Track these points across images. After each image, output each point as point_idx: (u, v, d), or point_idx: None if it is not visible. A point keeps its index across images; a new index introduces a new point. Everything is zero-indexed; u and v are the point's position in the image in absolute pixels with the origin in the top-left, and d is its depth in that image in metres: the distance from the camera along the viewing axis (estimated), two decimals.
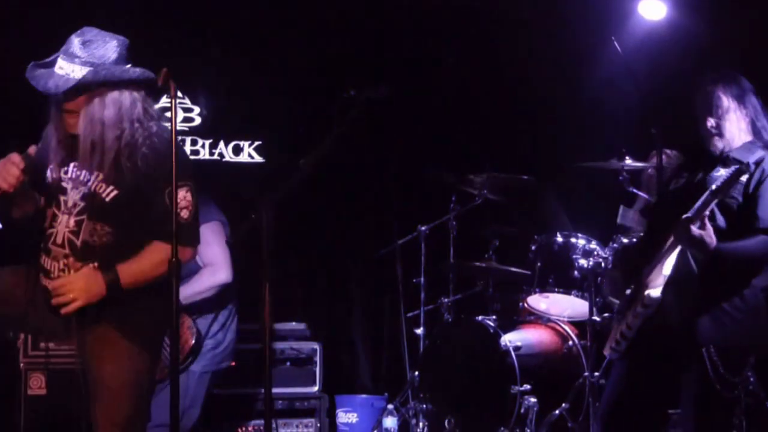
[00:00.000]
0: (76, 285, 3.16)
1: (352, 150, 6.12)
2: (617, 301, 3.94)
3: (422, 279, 5.78)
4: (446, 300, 5.72)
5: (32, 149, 3.25)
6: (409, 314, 5.98)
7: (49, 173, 3.32)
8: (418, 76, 6.25)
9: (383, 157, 6.46)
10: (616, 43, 4.77)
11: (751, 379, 4.81)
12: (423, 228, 5.80)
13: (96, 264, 3.20)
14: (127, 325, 3.25)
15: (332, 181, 6.20)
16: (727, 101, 3.63)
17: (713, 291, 3.55)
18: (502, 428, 4.96)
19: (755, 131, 3.64)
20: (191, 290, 4.39)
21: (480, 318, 5.35)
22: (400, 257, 6.01)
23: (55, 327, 3.33)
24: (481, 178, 5.58)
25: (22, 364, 4.78)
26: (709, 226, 3.44)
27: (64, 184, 3.28)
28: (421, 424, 5.35)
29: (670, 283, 3.53)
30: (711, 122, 3.64)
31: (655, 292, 3.52)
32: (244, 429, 5.28)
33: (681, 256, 3.54)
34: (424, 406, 5.33)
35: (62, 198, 3.27)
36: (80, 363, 3.32)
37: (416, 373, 5.50)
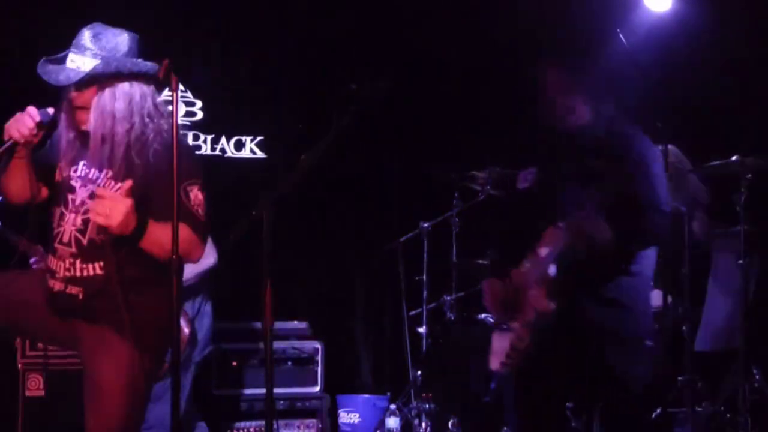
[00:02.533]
0: (121, 207, 2.98)
1: (354, 147, 6.09)
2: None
3: (424, 277, 5.75)
4: (449, 298, 5.69)
5: (51, 109, 3.21)
6: (412, 312, 5.95)
7: (58, 171, 3.28)
8: (420, 72, 6.22)
9: (385, 153, 6.44)
10: (621, 35, 4.74)
11: (757, 377, 4.80)
12: (425, 225, 5.78)
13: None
14: (127, 331, 3.19)
15: (334, 177, 6.17)
16: (571, 79, 3.58)
17: (595, 285, 3.44)
18: (505, 428, 4.92)
19: (596, 106, 3.58)
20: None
21: (483, 316, 5.31)
22: (402, 255, 5.98)
23: (59, 332, 3.29)
24: (483, 173, 5.55)
25: (20, 365, 4.76)
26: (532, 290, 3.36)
27: (72, 182, 3.23)
28: (423, 424, 5.32)
29: (559, 286, 3.39)
30: (561, 101, 3.57)
31: (549, 301, 3.35)
32: (245, 430, 5.24)
33: (563, 258, 3.40)
34: (427, 405, 5.30)
35: (70, 196, 3.22)
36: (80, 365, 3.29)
37: (419, 372, 5.47)
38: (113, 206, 3.01)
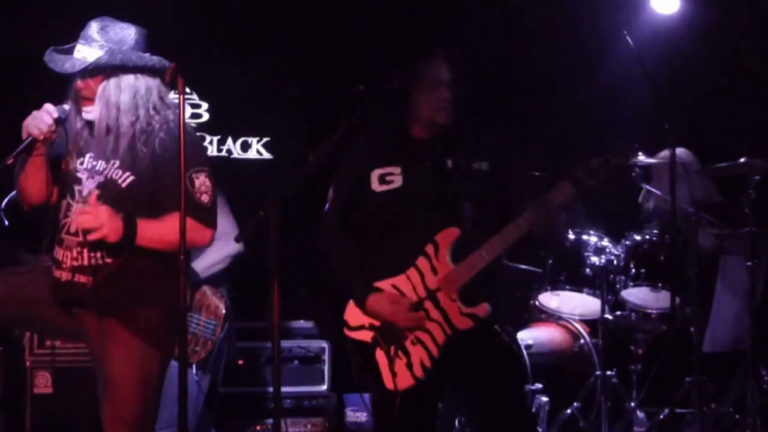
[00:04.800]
0: (103, 215, 3.10)
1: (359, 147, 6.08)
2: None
3: None
4: None
5: (67, 106, 3.24)
6: None
7: (64, 163, 3.29)
8: None
9: None
10: (628, 37, 4.72)
11: (765, 378, 4.79)
12: None
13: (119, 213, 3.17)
14: (137, 323, 3.22)
15: None
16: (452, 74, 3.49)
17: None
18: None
19: None
20: (207, 262, 4.41)
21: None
22: None
23: (66, 325, 3.31)
24: None
25: (28, 363, 4.76)
26: None
27: (79, 174, 3.26)
28: None
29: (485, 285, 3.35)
30: (445, 94, 3.47)
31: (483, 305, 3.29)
32: (252, 428, 5.24)
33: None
34: None
35: (77, 188, 3.25)
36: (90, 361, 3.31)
37: None
38: (97, 215, 3.08)
